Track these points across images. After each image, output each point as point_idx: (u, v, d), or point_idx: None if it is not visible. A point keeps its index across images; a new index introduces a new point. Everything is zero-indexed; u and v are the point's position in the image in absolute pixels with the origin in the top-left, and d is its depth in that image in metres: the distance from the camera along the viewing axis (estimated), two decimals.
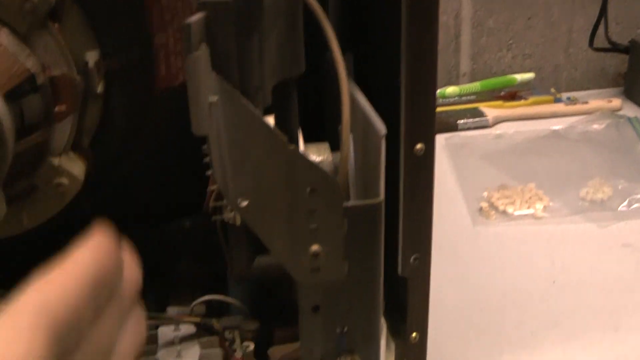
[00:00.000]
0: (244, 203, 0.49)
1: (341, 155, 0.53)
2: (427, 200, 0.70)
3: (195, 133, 0.47)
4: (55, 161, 0.66)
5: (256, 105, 0.49)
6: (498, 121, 1.47)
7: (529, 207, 1.16)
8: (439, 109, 1.43)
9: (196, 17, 0.46)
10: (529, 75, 1.58)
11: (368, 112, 0.58)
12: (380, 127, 0.55)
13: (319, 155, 0.65)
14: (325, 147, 0.66)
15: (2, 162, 0.55)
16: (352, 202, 0.51)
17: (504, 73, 1.62)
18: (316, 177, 0.48)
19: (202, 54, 0.45)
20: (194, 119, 0.46)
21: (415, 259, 0.72)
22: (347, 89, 0.52)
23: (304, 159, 0.47)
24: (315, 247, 0.51)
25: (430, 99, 0.67)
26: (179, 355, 0.67)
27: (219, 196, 0.69)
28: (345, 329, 0.56)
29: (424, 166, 0.69)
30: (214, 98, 0.46)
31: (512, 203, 1.17)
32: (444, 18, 1.56)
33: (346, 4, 0.75)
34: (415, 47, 0.62)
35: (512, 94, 1.56)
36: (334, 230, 0.51)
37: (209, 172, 0.68)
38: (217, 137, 0.47)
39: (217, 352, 0.67)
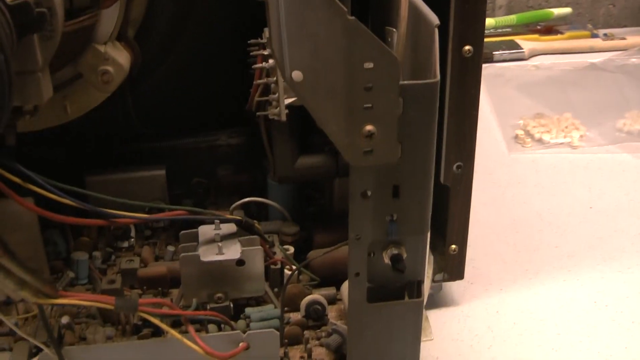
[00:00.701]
0: (300, 77, 0.48)
1: (398, 37, 0.52)
2: (472, 106, 0.69)
3: None
4: (101, 48, 0.65)
5: None
6: (534, 54, 1.45)
7: (565, 136, 1.15)
8: None
9: None
10: (566, 10, 1.55)
11: (420, 5, 0.57)
12: (433, 17, 0.54)
13: None
14: None
15: (52, 37, 0.54)
16: (408, 81, 0.49)
17: (541, 7, 1.60)
18: (376, 51, 0.47)
19: None
20: None
21: (458, 167, 0.71)
22: None
23: (364, 30, 0.46)
24: (369, 127, 0.50)
25: (480, 1, 0.66)
26: (220, 251, 0.66)
27: (265, 91, 0.68)
28: (395, 217, 0.55)
29: (472, 68, 0.67)
30: None
31: (548, 131, 1.16)
32: None
33: None
34: None
35: (549, 28, 1.53)
36: (390, 110, 0.49)
37: (255, 66, 0.68)
38: (276, 4, 0.46)
39: (258, 250, 0.67)
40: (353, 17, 0.46)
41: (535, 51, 1.46)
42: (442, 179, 0.71)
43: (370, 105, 0.49)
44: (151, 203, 0.73)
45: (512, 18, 1.54)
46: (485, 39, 1.45)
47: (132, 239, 0.78)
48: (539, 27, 1.53)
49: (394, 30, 0.61)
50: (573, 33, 1.52)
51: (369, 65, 0.48)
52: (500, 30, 1.52)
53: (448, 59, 0.66)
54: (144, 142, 0.83)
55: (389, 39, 0.63)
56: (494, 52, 1.43)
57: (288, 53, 0.48)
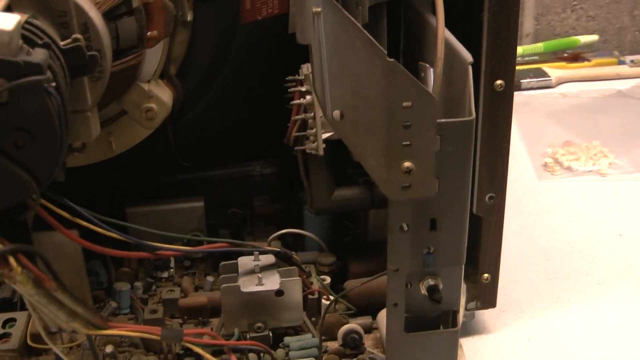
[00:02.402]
0: (340, 115, 0.50)
1: (435, 76, 0.54)
2: (504, 137, 0.71)
3: (299, 41, 0.48)
4: (145, 87, 0.67)
5: (356, 18, 0.49)
6: (561, 82, 1.46)
7: (593, 164, 1.16)
8: None
9: None
10: (593, 37, 1.56)
11: (453, 43, 0.59)
12: (467, 55, 0.56)
13: None
14: None
15: (101, 78, 0.56)
16: (445, 119, 0.51)
17: (567, 34, 1.61)
18: (415, 90, 0.49)
19: None
20: (299, 27, 0.47)
21: (490, 198, 0.72)
22: (442, 7, 0.53)
23: (403, 71, 0.48)
24: (407, 164, 0.52)
25: (512, 36, 0.67)
26: (259, 282, 0.68)
27: (302, 127, 0.70)
28: (432, 249, 0.56)
29: (504, 102, 0.69)
30: (317, 8, 0.47)
31: (577, 159, 1.17)
32: None
33: None
34: None
35: (575, 56, 1.54)
36: (427, 146, 0.51)
37: (293, 102, 0.70)
38: (319, 46, 0.48)
39: (296, 281, 0.69)
40: (392, 59, 0.48)
41: (562, 79, 1.46)
42: (474, 210, 0.72)
43: (408, 142, 0.51)
44: (190, 235, 0.75)
45: (539, 46, 1.55)
46: None
47: (172, 269, 0.80)
48: (565, 55, 1.54)
49: (428, 66, 0.62)
50: (600, 60, 1.53)
51: (407, 104, 0.50)
52: (527, 59, 1.53)
53: (480, 93, 0.68)
54: (181, 174, 0.85)
55: (422, 74, 0.64)
56: (521, 80, 1.44)
57: (330, 92, 0.50)
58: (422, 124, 0.50)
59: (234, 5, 0.72)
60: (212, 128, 0.81)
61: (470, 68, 0.54)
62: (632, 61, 1.52)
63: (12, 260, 0.48)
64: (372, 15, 0.57)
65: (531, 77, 1.45)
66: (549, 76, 1.45)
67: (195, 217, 0.83)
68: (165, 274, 0.80)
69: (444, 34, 0.57)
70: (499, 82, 0.68)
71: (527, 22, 1.61)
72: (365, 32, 0.48)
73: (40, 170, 0.47)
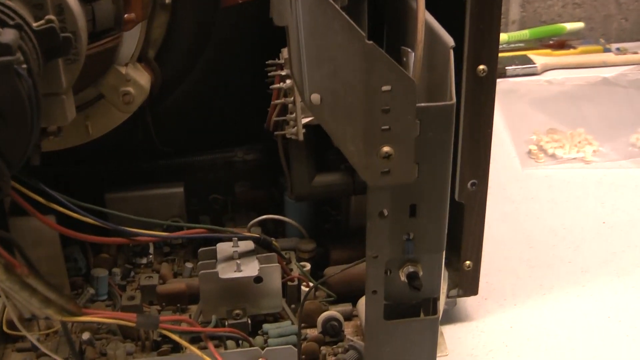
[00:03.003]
0: (319, 100, 0.50)
1: (415, 60, 0.53)
2: (487, 123, 0.70)
3: (276, 23, 0.47)
4: (122, 70, 0.66)
5: (334, 0, 0.48)
6: (546, 69, 1.46)
7: (578, 151, 1.16)
8: None
9: None
10: (579, 25, 1.56)
11: (435, 27, 0.58)
12: (449, 39, 0.55)
13: None
14: None
15: (76, 61, 0.55)
16: (425, 104, 0.51)
17: (554, 22, 1.60)
18: (394, 74, 0.48)
19: None
20: (276, 9, 0.46)
21: (472, 185, 0.72)
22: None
23: (382, 54, 0.47)
24: (386, 149, 0.51)
25: (495, 21, 0.67)
26: (238, 269, 0.67)
27: (282, 111, 0.70)
28: (412, 236, 0.56)
29: (486, 87, 0.68)
30: None
31: (562, 147, 1.16)
32: None
33: None
34: None
35: (561, 43, 1.54)
36: (407, 131, 0.51)
37: (273, 87, 0.69)
38: (296, 29, 0.47)
39: (275, 267, 0.68)
40: (371, 42, 0.47)
41: (547, 66, 1.46)
42: (456, 197, 0.72)
43: (387, 127, 0.50)
44: (169, 221, 0.74)
45: (524, 33, 1.54)
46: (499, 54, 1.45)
47: (151, 256, 0.80)
48: (551, 42, 1.54)
49: (410, 50, 0.62)
50: (586, 48, 1.52)
51: (386, 88, 0.49)
52: (513, 45, 1.53)
53: (463, 78, 0.67)
54: (162, 159, 0.84)
55: (404, 59, 0.64)
56: (506, 67, 1.44)
57: (307, 76, 0.49)
58: (402, 108, 0.50)
59: None
60: (193, 113, 0.80)
61: (451, 52, 0.54)
62: (617, 49, 1.52)
63: None
64: None
65: (516, 64, 1.45)
66: (534, 63, 1.45)
67: (175, 203, 0.82)
68: (144, 260, 0.79)
69: (425, 18, 0.56)
70: (481, 67, 0.67)
71: (513, 9, 1.61)
72: (344, 14, 0.47)
73: (11, 152, 0.46)
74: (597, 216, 1.00)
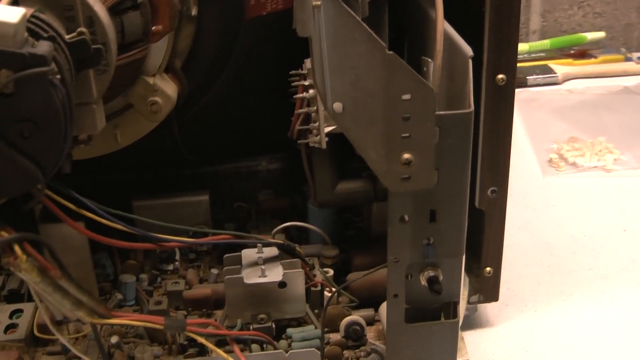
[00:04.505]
0: (341, 108, 0.51)
1: (434, 69, 0.54)
2: (506, 132, 0.71)
3: (300, 34, 0.49)
4: (150, 80, 0.68)
5: (356, 12, 0.50)
6: (567, 78, 1.46)
7: (598, 160, 1.16)
8: None
9: None
10: (600, 34, 1.56)
11: (454, 37, 0.59)
12: (467, 49, 0.56)
13: None
14: None
15: (106, 71, 0.57)
16: (444, 112, 0.52)
17: (574, 31, 1.61)
18: (414, 83, 0.50)
19: None
20: (299, 20, 0.48)
21: (492, 192, 0.73)
22: (442, 10, 0.54)
23: (402, 64, 0.49)
24: (407, 155, 0.52)
25: (513, 31, 0.68)
26: (262, 274, 0.69)
27: (305, 120, 0.71)
28: (432, 240, 0.57)
29: (505, 96, 0.70)
30: (317, 1, 0.48)
31: (582, 155, 1.17)
32: None
33: None
34: None
35: (582, 52, 1.54)
36: (427, 138, 0.52)
37: (296, 96, 0.70)
38: (319, 39, 0.49)
39: (299, 273, 0.69)
40: (392, 52, 0.49)
41: (568, 75, 1.47)
42: (477, 203, 0.73)
43: (408, 134, 0.52)
44: (195, 227, 0.76)
45: (545, 43, 1.55)
46: (519, 64, 1.46)
47: (177, 262, 0.81)
48: (572, 52, 1.54)
49: (430, 60, 0.63)
50: (607, 57, 1.53)
51: (406, 96, 0.50)
52: (534, 55, 1.53)
53: (482, 87, 0.68)
54: (187, 168, 0.86)
55: (425, 68, 0.65)
56: (527, 77, 1.44)
57: (330, 85, 0.51)
58: (421, 116, 0.51)
59: (239, 0, 0.73)
60: (218, 122, 0.82)
61: (470, 62, 0.55)
62: (638, 58, 1.52)
63: (17, 248, 0.49)
64: (373, 8, 0.58)
65: (537, 74, 1.45)
66: (555, 73, 1.46)
67: (200, 211, 0.83)
68: (171, 267, 0.81)
69: (444, 28, 0.58)
70: (500, 76, 0.68)
71: (534, 19, 1.61)
72: (365, 25, 0.48)
73: (46, 160, 0.48)
74: (618, 224, 1.01)
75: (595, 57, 1.53)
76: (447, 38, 0.59)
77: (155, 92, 0.68)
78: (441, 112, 0.51)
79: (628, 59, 1.53)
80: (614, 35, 1.62)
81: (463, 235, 0.57)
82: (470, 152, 0.54)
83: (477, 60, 0.59)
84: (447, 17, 0.59)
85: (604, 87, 1.40)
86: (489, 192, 0.73)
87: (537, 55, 1.54)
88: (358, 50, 0.49)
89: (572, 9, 1.61)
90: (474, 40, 0.58)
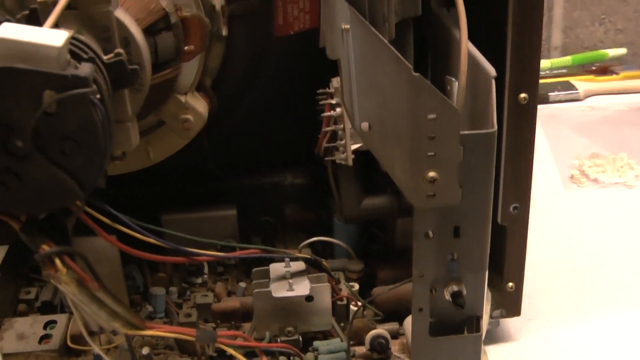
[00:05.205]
0: (368, 127, 0.53)
1: (459, 90, 0.56)
2: (528, 150, 0.73)
3: (329, 57, 0.51)
4: (182, 98, 0.70)
5: (383, 34, 0.52)
6: (589, 95, 1.47)
7: (620, 176, 1.17)
8: None
9: None
10: (621, 51, 1.57)
11: (477, 57, 0.61)
12: (490, 69, 0.58)
13: None
14: None
15: (141, 90, 0.59)
16: (468, 131, 0.53)
17: (596, 47, 1.62)
18: (439, 103, 0.51)
19: None
20: (329, 43, 0.49)
21: (514, 208, 0.74)
22: (465, 23, 0.55)
23: (428, 85, 0.51)
24: (432, 173, 0.54)
25: (535, 50, 0.69)
26: (290, 288, 0.71)
27: (332, 137, 0.73)
28: (456, 256, 0.59)
29: (527, 115, 0.71)
30: (346, 25, 0.50)
31: (604, 171, 1.18)
32: None
33: None
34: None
35: (604, 69, 1.55)
36: (451, 157, 0.53)
37: (324, 115, 0.72)
38: (347, 61, 0.51)
39: (326, 287, 0.71)
40: (418, 73, 0.51)
41: (590, 92, 1.47)
42: (499, 220, 0.74)
43: (433, 153, 0.53)
44: (224, 241, 0.78)
45: (567, 59, 1.56)
46: (541, 80, 1.47)
47: (206, 275, 0.83)
48: (594, 68, 1.55)
49: (454, 79, 0.65)
50: (628, 73, 1.53)
51: (432, 116, 0.52)
52: (555, 72, 1.54)
53: (505, 105, 0.70)
54: (215, 182, 0.88)
55: (449, 87, 0.67)
56: (549, 93, 1.45)
57: (358, 105, 0.53)
58: (446, 135, 0.53)
59: (267, 20, 0.75)
60: (245, 137, 0.84)
61: (493, 82, 0.57)
62: None
63: (57, 261, 0.51)
64: (399, 30, 0.60)
65: (559, 90, 1.46)
66: (576, 89, 1.46)
67: (228, 225, 0.85)
68: (199, 280, 0.83)
69: (468, 49, 0.59)
70: (522, 95, 0.70)
71: (556, 35, 1.62)
72: (392, 47, 0.50)
73: (85, 176, 0.50)
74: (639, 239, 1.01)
75: (616, 73, 1.54)
76: (471, 58, 0.61)
77: (186, 110, 0.70)
78: (465, 132, 0.53)
79: None
80: (635, 51, 1.63)
81: (486, 251, 0.59)
82: (494, 170, 0.55)
83: (499, 79, 0.61)
84: (470, 36, 0.60)
85: (626, 104, 1.41)
86: (511, 208, 0.74)
87: (559, 71, 1.55)
88: (385, 72, 0.51)
89: (593, 25, 1.62)
90: (496, 59, 0.60)
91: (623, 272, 0.94)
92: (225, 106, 0.78)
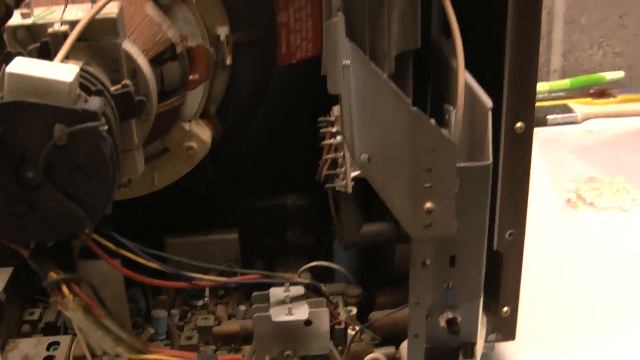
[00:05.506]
0: (367, 159, 0.54)
1: (455, 123, 0.58)
2: (524, 178, 0.74)
3: (331, 92, 0.53)
4: (186, 126, 0.72)
5: (383, 70, 0.53)
6: (587, 118, 1.49)
7: (616, 200, 1.18)
8: None
9: None
10: (619, 74, 1.59)
11: (475, 88, 0.63)
12: (487, 100, 0.60)
13: None
14: None
15: (147, 120, 0.61)
16: (464, 163, 0.55)
17: (595, 70, 1.64)
18: (436, 137, 0.53)
19: (339, 20, 0.51)
20: (330, 79, 0.51)
21: (510, 235, 0.75)
22: (462, 57, 0.57)
23: (426, 119, 0.52)
24: (429, 204, 0.55)
25: (531, 80, 0.71)
26: (289, 312, 0.72)
27: (332, 165, 0.74)
28: (451, 284, 0.60)
29: (524, 144, 0.72)
30: (347, 61, 0.51)
31: (600, 195, 1.19)
32: None
33: None
34: (521, 28, 0.66)
35: (602, 92, 1.57)
36: (447, 189, 0.55)
37: (324, 143, 0.74)
38: (348, 96, 0.53)
39: (324, 311, 0.72)
40: (416, 108, 0.52)
41: (588, 115, 1.49)
42: (495, 246, 0.75)
43: (430, 184, 0.55)
44: (224, 266, 0.79)
45: (565, 82, 1.58)
46: (540, 103, 1.50)
47: (207, 298, 0.84)
48: (592, 91, 1.57)
49: (452, 108, 0.66)
50: (626, 96, 1.55)
51: (430, 149, 0.54)
52: (554, 95, 1.56)
53: (501, 134, 0.71)
54: (218, 205, 0.89)
55: (447, 116, 0.68)
56: (548, 116, 1.47)
57: (358, 137, 0.54)
58: (443, 167, 0.54)
59: (270, 49, 0.76)
60: (249, 162, 0.85)
61: (490, 113, 0.58)
62: None
63: (65, 289, 0.52)
64: (399, 62, 0.61)
65: (557, 113, 1.48)
66: (574, 112, 1.48)
67: (230, 248, 0.87)
68: (200, 303, 0.84)
69: (466, 79, 0.61)
70: (519, 125, 0.71)
71: (555, 58, 1.64)
72: (391, 83, 0.52)
73: (94, 206, 0.52)
74: (636, 263, 1.02)
75: (614, 96, 1.56)
76: (468, 89, 0.62)
77: (191, 137, 0.72)
78: (461, 165, 0.54)
79: None
80: (633, 74, 1.65)
81: (481, 280, 0.60)
82: (489, 201, 0.57)
83: (496, 107, 0.62)
84: (469, 63, 0.62)
85: (623, 127, 1.43)
86: (506, 235, 0.75)
87: (558, 94, 1.56)
88: (385, 106, 0.53)
89: (592, 49, 1.64)
90: (493, 88, 0.61)
91: (618, 296, 0.95)
92: (229, 131, 0.79)
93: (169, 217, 0.88)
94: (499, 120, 0.71)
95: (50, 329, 0.80)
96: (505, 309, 0.79)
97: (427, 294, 0.60)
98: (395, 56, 0.61)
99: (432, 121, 0.53)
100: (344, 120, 0.56)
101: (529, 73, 0.70)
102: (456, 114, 0.58)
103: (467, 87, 0.63)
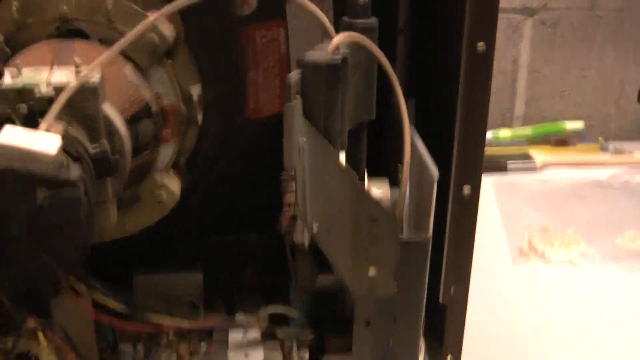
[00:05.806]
0: (317, 226, 0.60)
1: (399, 196, 0.64)
2: (468, 240, 0.79)
3: (287, 167, 0.58)
4: (158, 177, 0.77)
5: (336, 146, 0.59)
6: (546, 165, 1.55)
7: (566, 253, 1.24)
8: (491, 150, 1.52)
9: (295, 74, 0.58)
10: (579, 125, 1.66)
11: (424, 156, 0.69)
12: (434, 171, 0.66)
13: (379, 189, 0.75)
14: (385, 182, 0.76)
15: (121, 176, 0.66)
16: (404, 238, 0.61)
17: (556, 118, 1.70)
18: (378, 211, 0.59)
19: (297, 103, 0.57)
20: (287, 155, 0.57)
21: (454, 290, 0.81)
22: (409, 136, 0.63)
23: (369, 195, 0.58)
24: (372, 268, 0.61)
25: (479, 146, 0.76)
26: (246, 355, 0.78)
27: (292, 220, 0.80)
28: (391, 342, 0.66)
29: (469, 211, 0.77)
30: (303, 139, 0.57)
31: (551, 246, 1.25)
32: (502, 63, 1.66)
33: (412, 54, 0.85)
34: (470, 97, 0.72)
35: (562, 140, 1.64)
36: (389, 255, 0.61)
37: (285, 200, 0.79)
38: (302, 170, 0.58)
39: (278, 355, 0.78)
40: (361, 182, 0.58)
41: (547, 163, 1.55)
42: (440, 299, 0.81)
43: (373, 250, 0.61)
44: (188, 303, 0.84)
45: (527, 130, 1.65)
46: (502, 149, 1.55)
47: (171, 335, 0.89)
48: (552, 140, 1.64)
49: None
50: (584, 146, 1.62)
51: (373, 220, 0.59)
52: (516, 141, 1.63)
53: (449, 199, 0.77)
54: (182, 243, 0.94)
55: (400, 175, 0.73)
56: (508, 162, 1.53)
57: (310, 208, 0.60)
58: (385, 236, 0.60)
59: (239, 104, 0.82)
60: (213, 205, 0.91)
61: (435, 185, 0.64)
62: (614, 148, 1.60)
63: (40, 336, 0.58)
64: (354, 133, 0.67)
65: (517, 160, 1.54)
66: (534, 160, 1.54)
67: (194, 287, 0.92)
68: (165, 340, 0.89)
69: (417, 146, 0.66)
70: (466, 190, 0.76)
71: (518, 106, 1.71)
72: (341, 159, 0.58)
73: (68, 258, 0.57)
74: (583, 316, 1.08)
75: (574, 145, 1.62)
76: (417, 156, 0.68)
77: (161, 187, 0.77)
78: (402, 239, 0.61)
79: (605, 148, 1.61)
80: (593, 123, 1.72)
81: (418, 338, 0.66)
82: (427, 269, 0.63)
83: (446, 173, 0.68)
84: (425, 124, 0.66)
85: (579, 178, 1.49)
86: (451, 290, 0.81)
87: (519, 141, 1.63)
88: (333, 179, 0.59)
89: (554, 98, 1.71)
90: (442, 153, 0.67)
91: (565, 347, 1.01)
92: (197, 179, 0.84)
93: (137, 254, 0.93)
94: (448, 185, 0.76)
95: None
96: (449, 357, 0.84)
97: (369, 352, 0.66)
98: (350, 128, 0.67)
99: (377, 192, 0.59)
100: (297, 191, 0.61)
101: (476, 140, 0.75)
102: (400, 188, 0.64)
103: (417, 153, 0.68)
